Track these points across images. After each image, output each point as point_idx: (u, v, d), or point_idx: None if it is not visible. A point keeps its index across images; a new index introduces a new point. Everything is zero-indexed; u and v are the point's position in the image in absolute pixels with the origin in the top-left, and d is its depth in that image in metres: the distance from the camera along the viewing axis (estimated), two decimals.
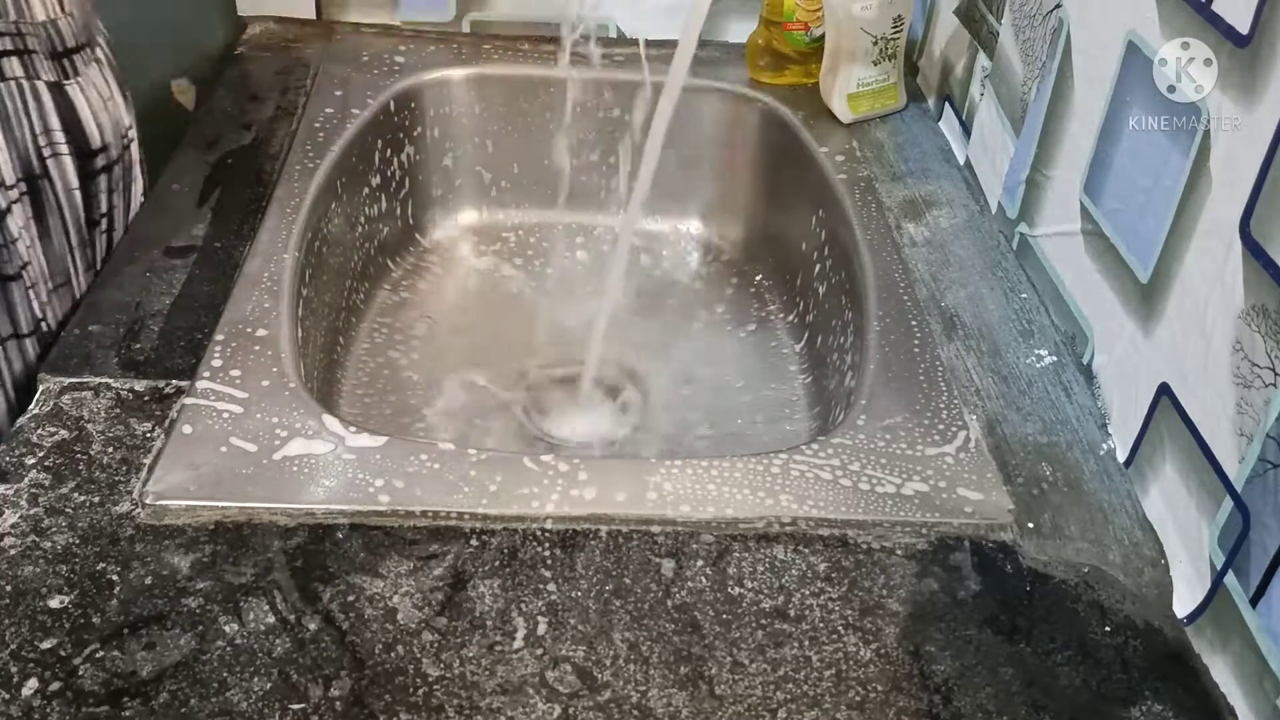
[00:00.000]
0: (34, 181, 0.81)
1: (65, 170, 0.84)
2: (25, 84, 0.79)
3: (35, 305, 0.82)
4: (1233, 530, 0.62)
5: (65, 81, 0.82)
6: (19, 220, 0.79)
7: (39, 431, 0.70)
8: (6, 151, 0.78)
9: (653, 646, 0.61)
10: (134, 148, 0.91)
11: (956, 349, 0.84)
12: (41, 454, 0.69)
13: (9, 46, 0.77)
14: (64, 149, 0.83)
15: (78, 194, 0.85)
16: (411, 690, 0.57)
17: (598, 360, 1.00)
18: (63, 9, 0.81)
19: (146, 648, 0.58)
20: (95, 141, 0.85)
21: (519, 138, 1.20)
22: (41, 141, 0.81)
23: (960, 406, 0.78)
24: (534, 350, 1.07)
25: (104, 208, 0.89)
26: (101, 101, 0.86)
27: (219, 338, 0.78)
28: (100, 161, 0.87)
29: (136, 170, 0.92)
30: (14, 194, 0.79)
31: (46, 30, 0.80)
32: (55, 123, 0.82)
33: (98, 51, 0.86)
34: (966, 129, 1.07)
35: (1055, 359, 0.84)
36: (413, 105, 1.14)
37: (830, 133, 1.12)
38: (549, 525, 0.67)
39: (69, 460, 0.69)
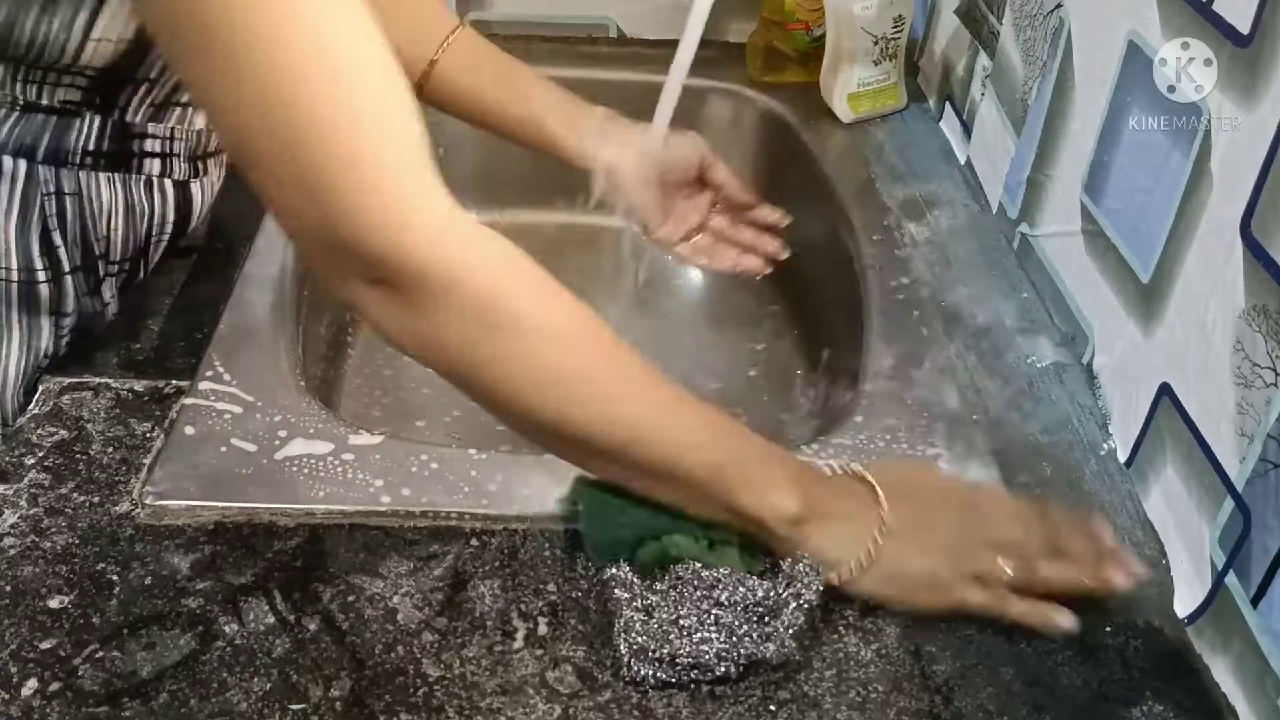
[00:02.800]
0: (136, 260, 0.80)
1: (158, 253, 0.83)
2: (156, 180, 0.78)
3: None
4: (1234, 530, 0.61)
5: (192, 180, 0.81)
6: (110, 289, 0.79)
7: (39, 431, 0.70)
8: (124, 232, 0.78)
9: None
10: None
11: (957, 349, 0.84)
12: (41, 454, 0.69)
13: (157, 150, 0.77)
14: (167, 237, 0.82)
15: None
16: (411, 690, 0.57)
17: None
18: None
19: (146, 648, 0.58)
20: (190, 228, 0.84)
21: None
22: (155, 232, 0.80)
23: (960, 406, 0.78)
24: None
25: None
26: (213, 193, 0.84)
27: (219, 338, 0.78)
28: (184, 242, 0.86)
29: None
30: (114, 268, 0.78)
31: (199, 136, 0.79)
32: (171, 216, 0.80)
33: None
34: (967, 129, 1.07)
35: (1056, 359, 0.84)
36: None
37: (830, 133, 1.11)
38: (549, 525, 0.67)
39: (69, 460, 0.69)
